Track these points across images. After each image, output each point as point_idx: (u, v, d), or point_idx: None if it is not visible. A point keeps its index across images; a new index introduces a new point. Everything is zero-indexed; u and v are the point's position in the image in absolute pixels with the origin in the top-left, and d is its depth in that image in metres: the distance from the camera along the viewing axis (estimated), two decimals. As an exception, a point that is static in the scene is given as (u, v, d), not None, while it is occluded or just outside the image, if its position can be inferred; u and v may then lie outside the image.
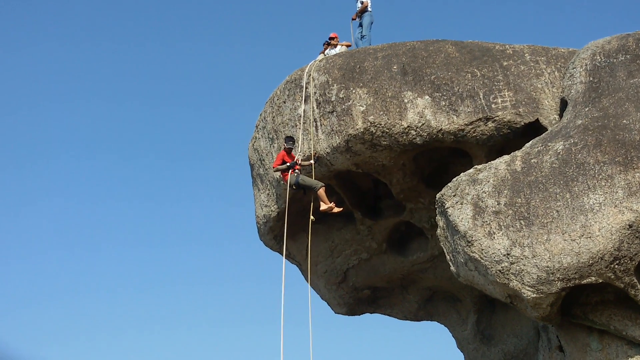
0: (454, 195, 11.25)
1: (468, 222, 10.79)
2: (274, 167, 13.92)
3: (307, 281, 15.80)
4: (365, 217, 15.07)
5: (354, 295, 16.46)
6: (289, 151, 13.86)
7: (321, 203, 13.70)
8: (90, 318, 44.56)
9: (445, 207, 11.24)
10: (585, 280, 9.94)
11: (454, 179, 11.52)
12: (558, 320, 10.66)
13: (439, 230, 11.71)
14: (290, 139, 13.85)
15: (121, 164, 54.60)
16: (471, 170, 11.55)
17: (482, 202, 10.85)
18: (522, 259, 10.17)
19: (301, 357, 13.41)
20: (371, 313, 17.24)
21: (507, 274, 10.27)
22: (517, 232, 10.36)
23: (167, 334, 44.90)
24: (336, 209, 13.76)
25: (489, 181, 11.04)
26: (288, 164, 13.61)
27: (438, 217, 11.68)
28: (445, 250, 11.64)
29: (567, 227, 10.07)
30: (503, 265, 10.30)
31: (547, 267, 9.99)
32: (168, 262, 50.02)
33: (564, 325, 10.84)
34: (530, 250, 10.16)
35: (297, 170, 13.58)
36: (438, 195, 11.57)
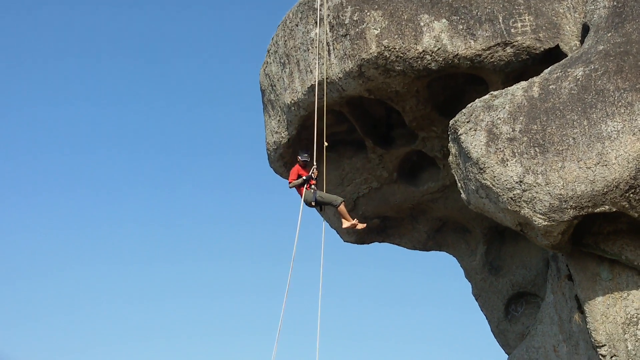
0: (467, 122, 11.00)
1: (481, 148, 10.58)
2: (289, 183, 13.30)
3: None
4: (376, 146, 14.86)
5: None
6: (303, 165, 13.37)
7: (343, 220, 13.13)
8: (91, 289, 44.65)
9: (459, 133, 11.01)
10: (598, 209, 9.76)
11: (469, 105, 11.25)
12: (569, 249, 10.54)
13: (450, 158, 11.51)
14: (305, 152, 13.38)
15: (126, 105, 54.27)
16: (486, 96, 11.26)
17: (497, 128, 10.61)
18: (534, 186, 9.98)
19: (311, 284, 13.42)
20: (380, 242, 17.24)
21: (519, 202, 10.11)
22: (531, 159, 10.14)
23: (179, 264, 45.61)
24: (360, 225, 13.24)
25: (504, 107, 10.77)
26: (303, 177, 13.07)
27: (450, 144, 11.47)
28: (456, 177, 11.47)
29: (582, 155, 9.83)
30: (515, 192, 10.13)
31: (560, 194, 9.81)
32: (176, 203, 50.32)
33: (575, 254, 10.73)
34: (543, 178, 9.96)
35: (313, 186, 13.02)
36: (451, 122, 11.32)
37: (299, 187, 13.20)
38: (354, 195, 15.87)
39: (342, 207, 12.99)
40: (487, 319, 15.68)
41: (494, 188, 10.35)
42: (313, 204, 13.03)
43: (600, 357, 10.22)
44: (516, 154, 10.28)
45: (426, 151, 14.51)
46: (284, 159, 15.56)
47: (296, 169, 13.41)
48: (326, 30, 13.38)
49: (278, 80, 14.94)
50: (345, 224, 13.12)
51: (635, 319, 10.21)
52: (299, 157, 13.49)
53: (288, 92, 14.43)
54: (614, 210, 9.74)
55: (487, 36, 12.34)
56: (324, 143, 13.39)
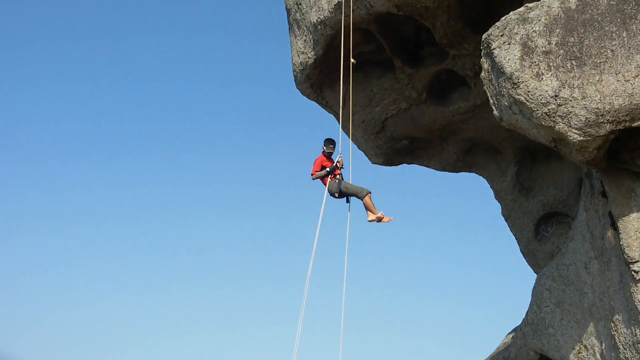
0: (501, 35, 10.63)
1: (515, 63, 10.25)
2: (312, 174, 12.83)
3: (349, 134, 15.17)
4: (405, 65, 14.53)
5: (392, 146, 16.23)
6: (328, 155, 12.91)
7: (368, 213, 12.51)
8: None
9: (492, 47, 10.66)
10: (636, 123, 9.49)
11: (503, 18, 10.84)
12: (603, 165, 10.31)
13: (483, 73, 11.19)
14: (330, 142, 12.88)
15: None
16: (521, 8, 10.83)
17: (532, 42, 10.25)
18: (570, 100, 9.70)
19: (340, 205, 13.32)
20: (409, 164, 17.07)
21: (554, 117, 9.85)
22: (567, 72, 9.82)
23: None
24: (386, 219, 12.55)
25: (540, 20, 10.37)
26: (328, 168, 12.65)
27: (483, 60, 11.13)
28: (488, 94, 11.17)
29: (621, 67, 9.50)
30: (550, 107, 9.86)
31: (597, 109, 9.53)
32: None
33: (610, 170, 10.50)
34: (580, 92, 9.67)
35: (337, 176, 12.57)
36: (484, 36, 10.94)
37: (323, 178, 12.81)
38: (382, 116, 15.65)
39: (367, 199, 12.48)
40: (516, 239, 15.61)
41: (527, 103, 10.08)
42: (337, 195, 12.64)
43: (633, 272, 10.12)
44: (552, 67, 9.97)
45: (457, 70, 14.16)
46: (310, 79, 15.34)
47: (320, 159, 13.02)
48: (354, -56, 12.91)
49: (304, -2, 14.57)
50: (371, 216, 12.54)
51: (670, 236, 10.06)
52: (324, 148, 13.09)
53: (314, 11, 14.08)
54: (653, 124, 9.46)
55: (523, -55, 11.81)
56: (350, 61, 13.11)
